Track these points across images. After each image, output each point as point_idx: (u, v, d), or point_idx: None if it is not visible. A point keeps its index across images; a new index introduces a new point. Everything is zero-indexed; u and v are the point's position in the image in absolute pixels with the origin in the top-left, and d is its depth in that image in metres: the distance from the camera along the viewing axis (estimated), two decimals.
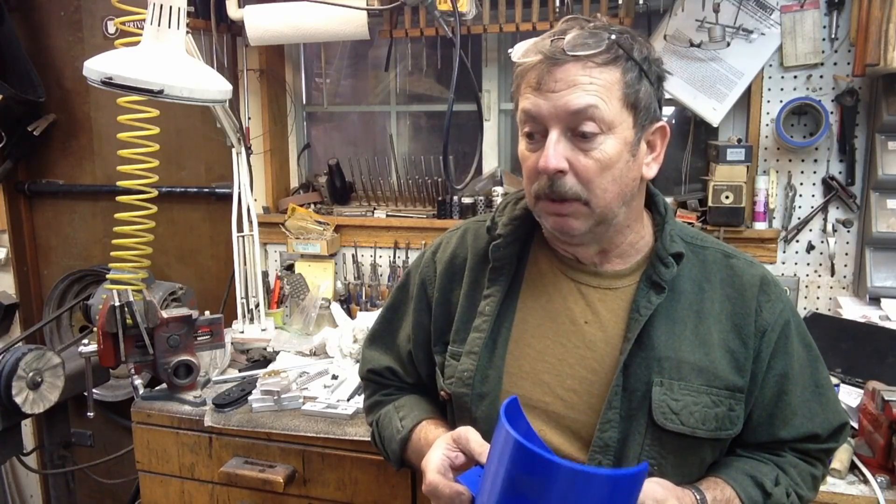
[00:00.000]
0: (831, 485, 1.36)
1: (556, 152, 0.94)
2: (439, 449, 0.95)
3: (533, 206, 1.03)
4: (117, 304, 1.69)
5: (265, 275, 2.36)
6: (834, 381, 1.50)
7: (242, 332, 2.17)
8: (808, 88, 1.98)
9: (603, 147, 0.95)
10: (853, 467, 1.40)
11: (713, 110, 2.01)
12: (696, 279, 1.05)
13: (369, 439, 1.29)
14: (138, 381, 1.73)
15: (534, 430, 0.92)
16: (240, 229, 2.21)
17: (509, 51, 1.02)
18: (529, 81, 0.97)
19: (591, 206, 0.97)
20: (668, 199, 2.14)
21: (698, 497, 0.97)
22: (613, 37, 0.94)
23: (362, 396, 1.35)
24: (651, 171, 1.03)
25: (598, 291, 1.06)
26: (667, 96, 2.03)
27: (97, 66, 1.59)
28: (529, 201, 1.03)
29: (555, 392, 1.03)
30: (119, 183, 2.08)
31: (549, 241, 1.12)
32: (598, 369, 1.02)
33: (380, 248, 2.39)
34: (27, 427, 2.76)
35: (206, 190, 2.60)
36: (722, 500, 1.00)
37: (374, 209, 2.45)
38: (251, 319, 2.22)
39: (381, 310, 1.31)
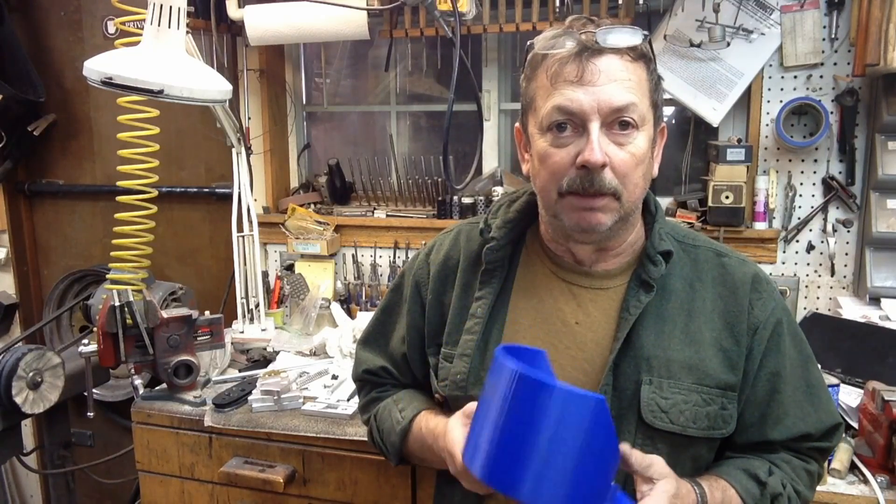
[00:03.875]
0: (831, 485, 1.36)
1: (600, 146, 0.94)
2: (457, 428, 0.94)
3: (553, 203, 1.00)
4: (117, 304, 1.69)
5: (265, 275, 2.36)
6: (834, 381, 1.51)
7: (242, 332, 2.17)
8: (808, 88, 1.98)
9: (637, 142, 0.96)
10: (853, 467, 1.40)
11: (713, 110, 2.01)
12: (687, 278, 1.05)
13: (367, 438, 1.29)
14: (138, 381, 1.73)
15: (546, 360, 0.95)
16: (240, 229, 2.21)
17: (529, 43, 1.00)
18: (565, 74, 0.94)
19: (621, 201, 0.97)
20: (668, 199, 2.18)
21: (695, 487, 0.97)
22: (645, 33, 0.95)
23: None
24: (655, 169, 1.05)
25: (589, 292, 1.06)
26: (667, 96, 2.03)
27: (97, 66, 1.58)
28: (550, 198, 1.00)
29: None
30: (119, 183, 2.08)
31: (543, 241, 1.11)
32: (588, 370, 1.02)
33: (380, 248, 2.39)
34: (27, 427, 2.76)
35: (206, 190, 2.60)
36: (718, 489, 0.99)
37: (374, 209, 2.45)
38: (251, 319, 2.22)
39: (374, 312, 1.30)
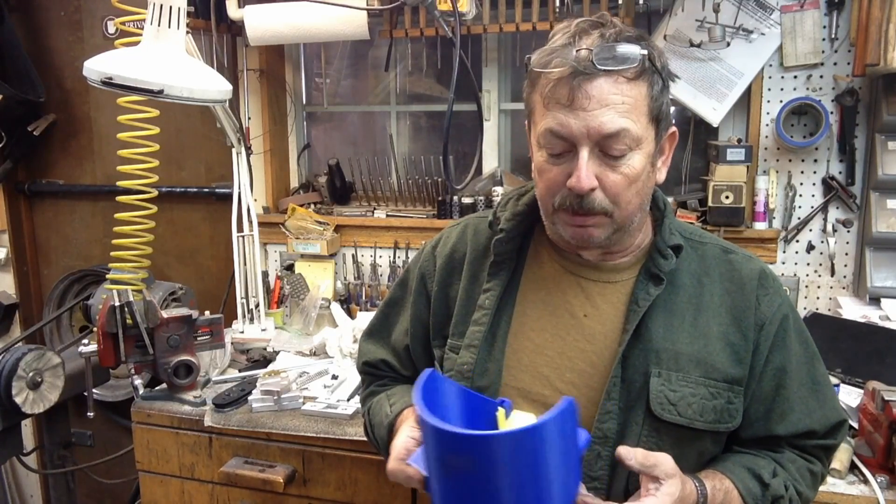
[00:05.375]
0: (831, 485, 1.36)
1: (589, 171, 0.94)
2: (404, 433, 0.97)
3: (550, 215, 1.02)
4: (117, 304, 1.69)
5: (265, 275, 2.36)
6: (834, 381, 1.51)
7: (242, 332, 2.17)
8: (808, 88, 1.98)
9: (631, 163, 0.95)
10: (853, 467, 1.41)
11: (713, 110, 2.01)
12: (695, 273, 1.06)
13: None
14: (138, 381, 1.73)
15: (471, 391, 0.94)
16: (240, 229, 2.21)
17: (527, 57, 0.99)
18: (557, 97, 0.93)
19: (614, 217, 0.98)
20: (669, 199, 2.17)
21: (697, 485, 0.98)
22: (645, 51, 0.92)
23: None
24: (661, 175, 1.05)
25: (597, 285, 1.07)
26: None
27: (97, 66, 1.59)
28: (546, 209, 1.02)
29: (554, 385, 1.04)
30: (119, 183, 2.08)
31: (550, 238, 1.12)
32: (596, 362, 1.03)
33: (380, 248, 2.39)
34: (27, 427, 2.76)
35: (206, 190, 2.60)
36: (721, 490, 1.00)
37: (374, 209, 2.45)
38: (251, 319, 2.22)
39: (380, 305, 1.32)
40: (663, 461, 0.92)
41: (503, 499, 0.76)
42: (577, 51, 0.92)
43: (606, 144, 0.93)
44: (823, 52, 1.94)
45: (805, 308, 2.04)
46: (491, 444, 0.75)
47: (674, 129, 1.04)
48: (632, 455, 0.90)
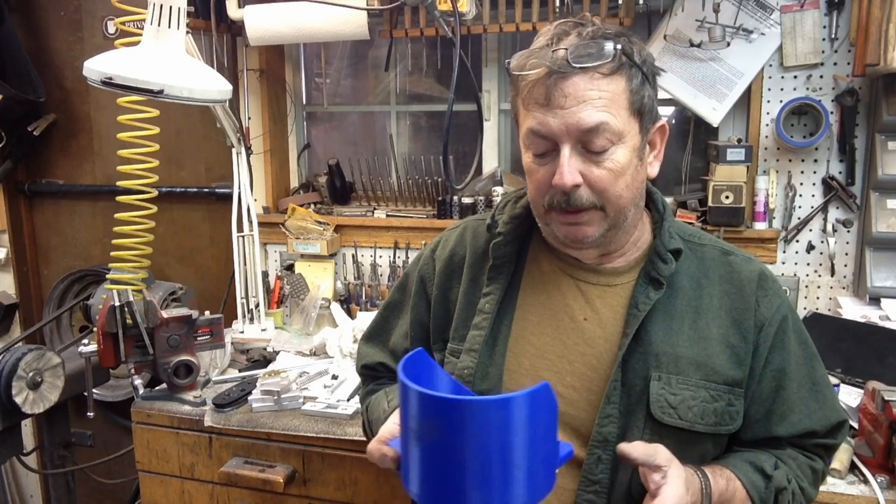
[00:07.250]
0: (831, 485, 1.36)
1: (571, 168, 0.94)
2: (392, 419, 0.97)
3: (542, 215, 1.03)
4: (117, 304, 1.69)
5: (265, 275, 2.36)
6: (834, 381, 1.51)
7: (242, 332, 2.17)
8: (808, 88, 1.98)
9: (614, 157, 0.95)
10: (853, 467, 1.41)
11: (713, 110, 2.01)
12: (694, 276, 1.06)
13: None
14: (138, 381, 1.73)
15: (462, 385, 0.93)
16: (240, 229, 2.21)
17: (507, 61, 1.00)
18: (535, 97, 0.95)
19: (606, 212, 0.98)
20: (669, 199, 2.17)
21: (695, 469, 0.98)
22: (619, 46, 0.93)
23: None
24: (654, 169, 1.05)
25: (597, 288, 1.07)
26: (667, 96, 2.03)
27: (97, 66, 1.59)
28: (538, 210, 1.03)
29: (554, 389, 1.03)
30: (119, 183, 2.08)
31: (548, 240, 1.12)
32: (596, 366, 1.03)
33: (380, 248, 2.39)
34: (27, 427, 2.76)
35: (206, 190, 2.60)
36: (722, 477, 1.00)
37: (374, 209, 2.45)
38: (251, 319, 2.22)
39: (379, 308, 1.31)
40: (661, 448, 0.92)
41: (467, 471, 0.76)
42: (553, 51, 0.93)
43: (587, 140, 0.94)
44: (823, 52, 1.94)
45: (805, 308, 2.04)
46: (457, 409, 0.75)
47: (663, 121, 1.04)
48: (632, 448, 0.91)
